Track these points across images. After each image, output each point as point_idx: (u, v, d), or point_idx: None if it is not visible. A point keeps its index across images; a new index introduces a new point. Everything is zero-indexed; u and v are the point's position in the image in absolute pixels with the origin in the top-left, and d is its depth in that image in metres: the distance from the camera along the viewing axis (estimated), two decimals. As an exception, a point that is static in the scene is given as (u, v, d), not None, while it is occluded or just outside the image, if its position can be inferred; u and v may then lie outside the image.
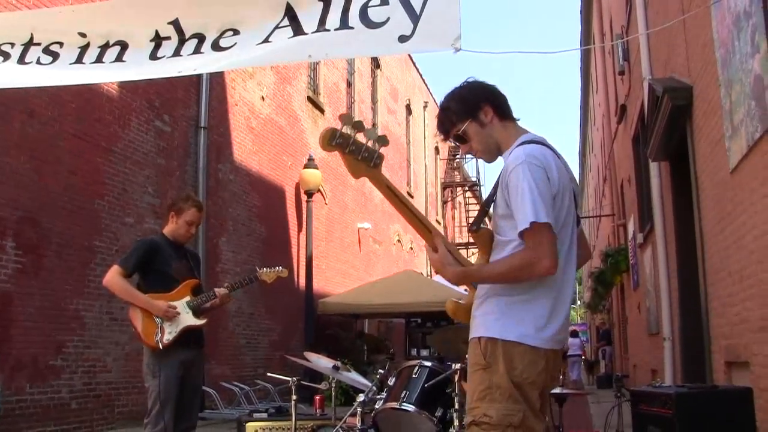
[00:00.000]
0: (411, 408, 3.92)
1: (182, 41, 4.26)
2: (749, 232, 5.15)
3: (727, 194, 5.76)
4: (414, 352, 19.00)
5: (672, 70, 7.97)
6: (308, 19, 4.00)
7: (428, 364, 4.13)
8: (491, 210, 2.81)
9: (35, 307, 8.62)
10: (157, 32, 4.31)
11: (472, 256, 2.97)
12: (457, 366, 3.80)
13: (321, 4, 3.97)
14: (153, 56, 4.30)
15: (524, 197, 2.53)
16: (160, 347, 4.83)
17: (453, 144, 2.98)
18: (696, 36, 6.58)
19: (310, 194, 16.05)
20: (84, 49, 4.45)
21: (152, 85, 10.93)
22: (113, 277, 4.98)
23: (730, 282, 5.86)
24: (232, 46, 4.17)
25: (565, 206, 2.67)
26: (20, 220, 8.51)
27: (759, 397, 4.67)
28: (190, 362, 5.00)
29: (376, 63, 23.46)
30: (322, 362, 4.97)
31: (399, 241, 24.71)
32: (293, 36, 4.03)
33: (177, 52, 4.26)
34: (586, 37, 22.74)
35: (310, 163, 15.82)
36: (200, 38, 4.24)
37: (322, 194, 17.27)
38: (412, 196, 27.14)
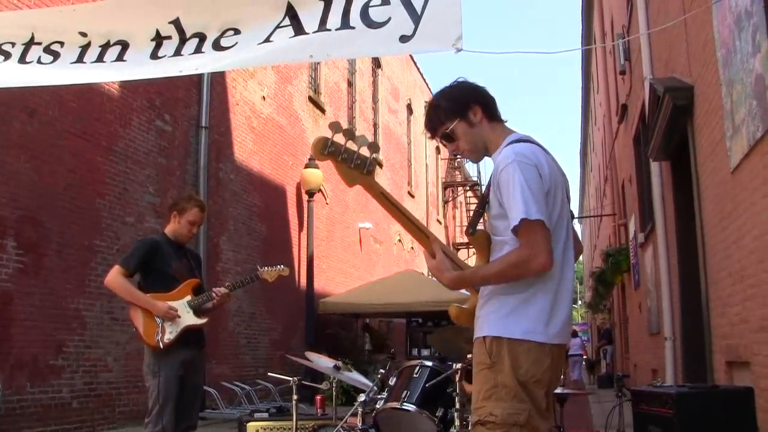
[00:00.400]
0: (412, 408, 3.91)
1: (183, 41, 4.26)
2: (750, 232, 5.15)
3: (728, 194, 5.76)
4: (415, 351, 19.03)
5: (673, 70, 7.96)
6: (309, 18, 3.99)
7: (429, 363, 4.13)
8: (487, 212, 2.82)
9: (36, 307, 8.62)
10: (158, 31, 4.31)
11: (473, 256, 2.97)
12: (458, 366, 3.80)
13: (322, 3, 3.97)
14: (154, 56, 4.30)
15: (515, 195, 2.55)
16: (161, 347, 4.83)
17: (441, 142, 2.98)
18: (697, 36, 6.58)
19: (311, 194, 16.06)
20: (85, 48, 4.45)
21: (153, 85, 10.93)
22: (114, 277, 4.98)
23: (730, 282, 5.85)
24: (233, 46, 4.17)
25: (559, 202, 2.69)
26: (21, 220, 8.51)
27: (760, 396, 4.67)
28: (191, 362, 5.00)
29: (377, 63, 23.46)
30: (322, 362, 4.97)
31: (400, 240, 24.71)
32: (294, 36, 4.02)
33: (178, 52, 4.26)
34: (587, 36, 22.74)
35: (311, 163, 15.82)
36: (201, 38, 4.23)
37: (323, 194, 17.27)
38: (413, 196, 27.14)
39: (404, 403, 3.95)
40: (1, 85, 4.79)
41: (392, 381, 4.24)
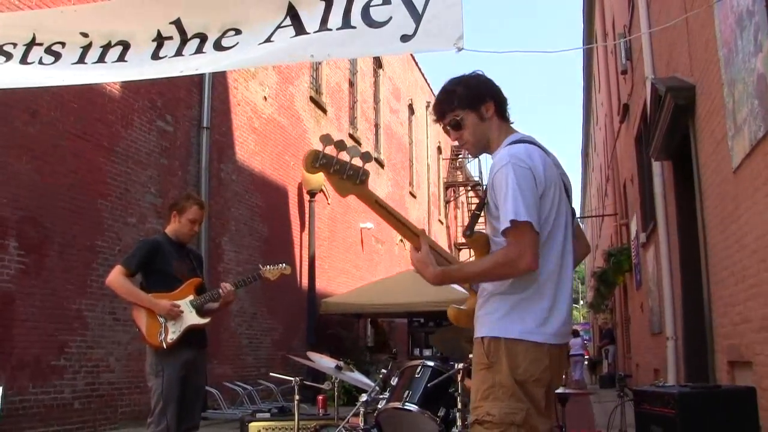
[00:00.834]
0: (414, 408, 3.91)
1: (184, 41, 4.26)
2: (751, 232, 5.14)
3: (730, 193, 5.75)
4: (417, 351, 19.03)
5: (674, 70, 7.96)
6: (310, 18, 4.00)
7: (431, 363, 4.12)
8: (486, 213, 2.82)
9: (37, 307, 8.63)
10: (159, 32, 4.31)
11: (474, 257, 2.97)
12: (460, 366, 3.80)
13: (323, 3, 3.97)
14: (155, 56, 4.30)
15: (506, 197, 2.57)
16: (164, 347, 4.83)
17: (445, 128, 2.97)
18: (699, 35, 6.57)
19: (312, 194, 16.06)
20: (86, 49, 4.45)
21: (155, 85, 10.93)
22: (116, 276, 4.98)
23: (732, 281, 5.85)
24: (234, 46, 4.17)
25: (556, 202, 2.69)
26: (22, 220, 8.52)
27: (762, 396, 4.66)
28: (193, 362, 5.00)
29: (378, 63, 23.45)
30: (324, 362, 4.97)
31: (402, 241, 24.64)
32: (295, 36, 4.03)
33: (179, 52, 4.26)
34: (589, 36, 22.74)
35: (313, 163, 15.78)
36: (202, 38, 4.23)
37: (325, 194, 17.27)
38: (414, 196, 27.14)
39: (406, 403, 3.94)
40: (3, 85, 4.79)
41: (394, 381, 4.23)
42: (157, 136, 11.30)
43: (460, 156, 34.88)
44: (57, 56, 4.49)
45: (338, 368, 4.80)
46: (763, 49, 4.50)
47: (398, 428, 4.12)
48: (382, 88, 23.84)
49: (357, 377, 4.96)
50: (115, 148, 10.23)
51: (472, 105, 2.83)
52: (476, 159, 35.40)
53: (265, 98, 15.03)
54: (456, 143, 3.04)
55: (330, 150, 2.64)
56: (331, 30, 3.92)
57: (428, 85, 30.26)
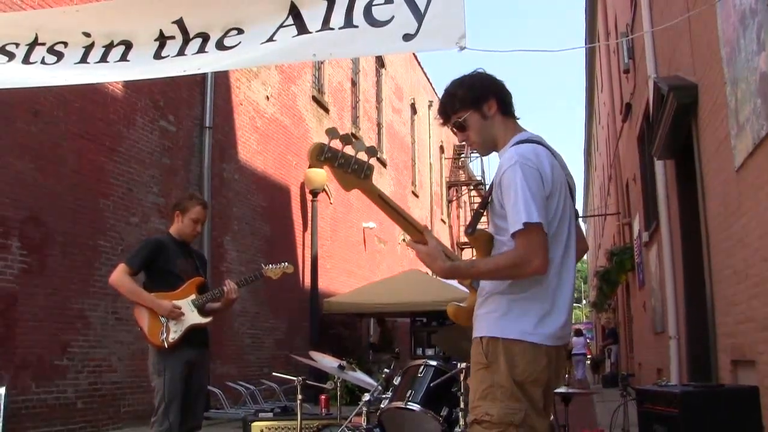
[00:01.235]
0: (416, 407, 3.91)
1: (186, 40, 4.26)
2: (754, 230, 5.14)
3: (733, 192, 5.74)
4: (419, 351, 19.00)
5: (677, 69, 7.95)
6: (312, 18, 3.99)
7: (433, 363, 4.12)
8: (489, 212, 2.81)
9: (40, 307, 8.63)
10: (161, 31, 4.31)
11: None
12: (463, 365, 3.80)
13: (325, 2, 3.97)
14: (157, 55, 4.30)
15: (517, 198, 2.55)
16: (166, 346, 4.83)
17: (452, 130, 2.97)
18: (701, 34, 6.56)
19: (315, 193, 16.05)
20: (88, 48, 4.45)
21: (157, 85, 10.94)
22: (119, 275, 4.99)
23: (735, 280, 5.84)
24: (236, 45, 4.17)
25: (561, 204, 2.69)
26: (25, 220, 8.52)
27: (765, 395, 4.66)
28: (196, 361, 5.00)
29: (380, 62, 23.45)
30: (327, 361, 4.97)
31: (404, 240, 24.67)
32: (297, 35, 4.02)
33: (181, 52, 4.26)
34: (591, 35, 22.72)
35: (315, 163, 15.79)
36: (204, 37, 4.24)
37: (327, 194, 17.27)
38: (417, 196, 27.13)
39: (409, 403, 3.94)
40: (6, 85, 4.80)
41: (397, 380, 4.23)
42: (160, 135, 11.31)
43: (462, 155, 34.89)
44: (59, 56, 4.49)
45: (341, 368, 4.80)
46: (766, 47, 4.49)
47: (401, 428, 4.12)
48: (384, 87, 23.83)
49: (359, 377, 4.96)
50: (117, 148, 10.24)
51: (473, 105, 2.82)
52: (478, 158, 35.49)
53: (268, 98, 15.03)
54: (464, 143, 3.02)
55: (335, 144, 2.63)
56: (333, 29, 3.92)
57: (431, 84, 30.26)
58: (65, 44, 4.51)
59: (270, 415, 6.65)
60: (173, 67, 4.32)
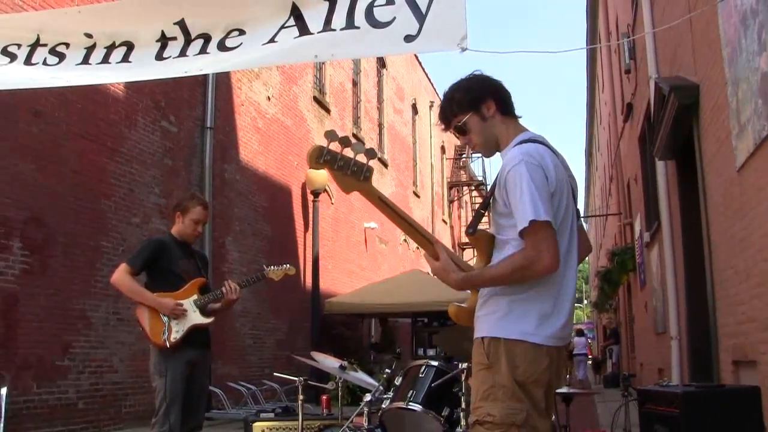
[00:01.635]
0: (418, 407, 3.91)
1: (188, 41, 4.26)
2: (756, 231, 5.14)
3: (734, 192, 5.74)
4: (420, 351, 19.00)
5: (678, 69, 7.95)
6: (314, 19, 4.00)
7: (435, 363, 4.13)
8: (490, 211, 2.81)
9: (42, 308, 8.64)
10: (163, 32, 4.32)
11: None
12: (464, 365, 3.80)
13: (327, 3, 3.97)
14: (159, 57, 4.31)
15: (523, 196, 2.54)
16: (168, 346, 4.83)
17: (454, 134, 2.98)
18: (702, 34, 6.56)
19: (316, 194, 16.06)
20: (90, 49, 4.46)
21: (158, 86, 10.94)
22: (121, 275, 4.99)
23: (737, 280, 5.84)
24: (238, 46, 4.17)
25: (563, 203, 2.68)
26: (27, 221, 8.53)
27: (766, 396, 4.65)
28: (197, 362, 5.00)
29: (382, 62, 23.46)
30: (328, 362, 4.97)
31: (405, 240, 24.69)
32: (299, 36, 4.03)
33: (183, 53, 4.26)
34: (592, 35, 22.72)
35: (316, 163, 15.78)
36: (206, 38, 4.24)
37: (329, 194, 17.28)
38: (418, 196, 27.13)
39: (410, 403, 3.95)
40: (8, 86, 4.80)
41: (398, 381, 4.23)
42: (161, 136, 11.32)
43: (463, 155, 34.90)
44: (61, 57, 4.49)
45: (342, 368, 4.80)
46: (767, 48, 4.49)
47: (402, 428, 4.12)
48: (385, 87, 23.84)
49: (361, 377, 4.96)
50: (118, 149, 10.25)
51: (472, 107, 2.82)
52: (480, 158, 35.50)
53: (269, 98, 15.04)
54: (467, 145, 3.01)
55: (334, 146, 2.63)
56: (334, 30, 3.92)
57: (432, 85, 30.26)
58: (67, 45, 4.51)
59: (271, 415, 6.66)
60: (175, 68, 4.32)
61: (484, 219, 2.88)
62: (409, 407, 3.94)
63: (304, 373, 5.51)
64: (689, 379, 8.09)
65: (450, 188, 34.70)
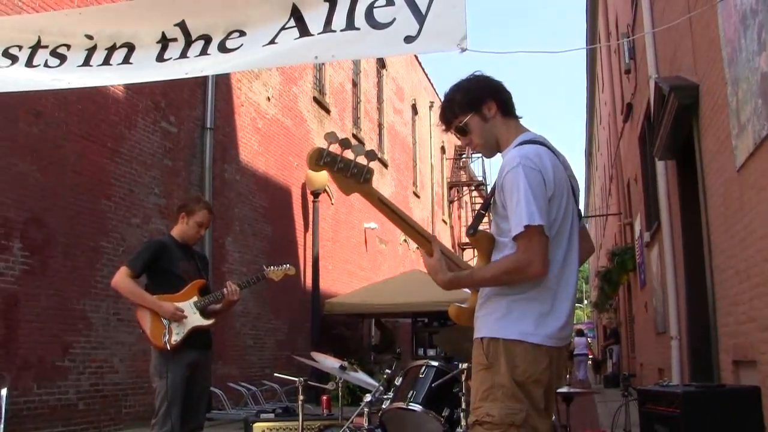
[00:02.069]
0: (418, 408, 3.92)
1: (189, 43, 4.27)
2: (756, 231, 5.14)
3: (734, 192, 5.75)
4: (421, 351, 19.00)
5: (678, 69, 7.95)
6: (314, 20, 4.00)
7: (435, 363, 4.13)
8: (491, 212, 2.81)
9: (42, 308, 8.64)
10: (163, 34, 4.32)
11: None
12: (464, 365, 3.80)
13: (327, 4, 3.97)
14: (160, 58, 4.31)
15: (519, 200, 2.55)
16: (168, 348, 4.83)
17: (455, 135, 2.98)
18: (702, 34, 6.57)
19: (316, 194, 16.07)
20: (91, 51, 4.46)
21: (158, 86, 10.94)
22: (121, 278, 4.98)
23: (737, 280, 5.84)
24: (238, 48, 4.18)
25: (563, 205, 2.68)
26: (27, 222, 8.53)
27: (767, 396, 4.66)
28: (198, 363, 4.99)
29: (381, 63, 23.46)
30: (328, 362, 4.98)
31: (405, 241, 24.70)
32: (299, 37, 4.03)
33: (184, 54, 4.27)
34: (592, 35, 22.72)
35: (316, 164, 15.78)
36: (207, 39, 4.24)
37: (329, 194, 17.29)
38: (418, 196, 27.13)
39: (410, 403, 3.95)
40: (9, 88, 4.80)
41: (398, 381, 4.24)
42: (161, 136, 11.32)
43: (463, 156, 34.89)
44: (62, 59, 4.50)
45: (342, 368, 4.80)
46: (767, 47, 4.50)
47: (402, 428, 4.13)
48: (385, 88, 23.85)
49: (361, 377, 4.96)
50: (119, 149, 10.25)
51: (472, 108, 2.82)
52: (480, 159, 35.50)
53: (269, 99, 15.05)
54: (468, 146, 3.01)
55: (334, 148, 2.63)
56: (335, 31, 3.92)
57: (431, 85, 30.27)
58: (68, 47, 4.51)
59: (271, 415, 6.67)
60: (176, 69, 4.32)
61: (485, 220, 2.88)
62: (409, 407, 3.95)
63: (305, 374, 5.51)
64: (689, 379, 8.10)
65: (450, 188, 34.70)
